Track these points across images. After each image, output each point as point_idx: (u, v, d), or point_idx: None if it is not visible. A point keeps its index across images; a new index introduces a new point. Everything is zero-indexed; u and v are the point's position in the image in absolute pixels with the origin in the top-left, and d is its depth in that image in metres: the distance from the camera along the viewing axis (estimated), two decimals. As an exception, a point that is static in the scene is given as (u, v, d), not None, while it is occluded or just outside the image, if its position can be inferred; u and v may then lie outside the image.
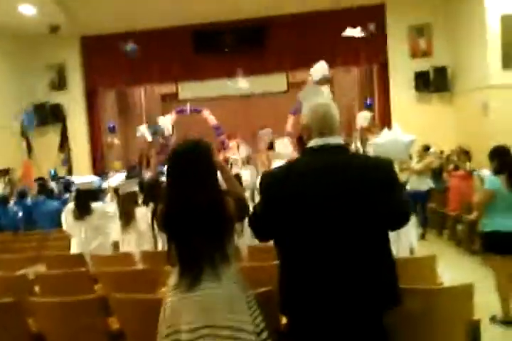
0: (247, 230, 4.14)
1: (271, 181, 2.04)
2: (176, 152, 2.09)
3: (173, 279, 2.02)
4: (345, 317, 1.92)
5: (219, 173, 2.11)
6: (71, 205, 4.56)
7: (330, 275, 1.91)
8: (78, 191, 4.57)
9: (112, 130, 11.90)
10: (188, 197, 1.98)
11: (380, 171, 1.98)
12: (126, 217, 4.39)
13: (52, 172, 10.32)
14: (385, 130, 6.56)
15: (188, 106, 12.41)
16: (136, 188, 4.62)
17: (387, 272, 1.99)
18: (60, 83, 11.57)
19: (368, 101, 11.28)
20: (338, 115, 2.10)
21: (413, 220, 3.59)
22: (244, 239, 3.86)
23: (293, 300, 1.99)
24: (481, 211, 4.09)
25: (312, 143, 2.04)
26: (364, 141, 9.69)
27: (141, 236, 4.26)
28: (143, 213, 4.25)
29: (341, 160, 2.00)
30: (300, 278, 1.96)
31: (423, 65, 10.48)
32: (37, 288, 3.59)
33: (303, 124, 2.12)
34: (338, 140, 2.04)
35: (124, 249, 4.42)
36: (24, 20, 9.90)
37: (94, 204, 4.50)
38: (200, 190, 1.98)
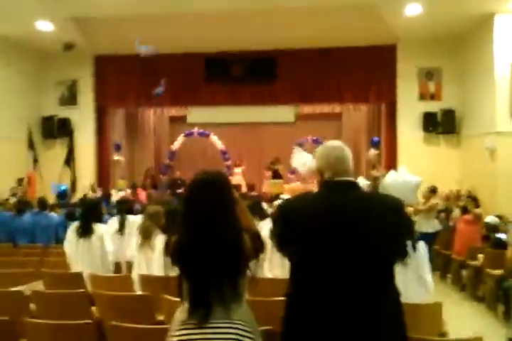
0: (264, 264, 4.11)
1: (289, 210, 2.08)
2: (198, 181, 2.01)
3: (181, 313, 1.96)
4: None
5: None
6: (76, 224, 4.54)
7: (339, 307, 1.89)
8: (83, 211, 4.55)
9: (118, 148, 11.94)
10: (206, 231, 1.91)
11: (391, 212, 1.99)
12: (144, 235, 4.34)
13: (63, 188, 10.22)
14: (392, 171, 6.61)
15: (195, 130, 12.50)
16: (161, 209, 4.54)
17: (395, 307, 1.98)
18: (70, 99, 11.67)
19: (375, 139, 11.35)
20: (350, 157, 2.10)
21: (427, 260, 3.54)
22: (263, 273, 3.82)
23: (298, 332, 1.95)
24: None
25: (327, 179, 2.06)
26: (371, 178, 9.69)
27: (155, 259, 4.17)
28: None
29: (355, 198, 2.01)
30: (306, 314, 1.93)
31: (431, 106, 10.58)
32: (33, 306, 3.52)
33: (315, 168, 2.13)
34: (351, 179, 2.07)
35: (136, 268, 4.35)
36: (41, 36, 10.04)
37: (97, 226, 4.48)
38: (220, 224, 1.92)
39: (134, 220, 5.33)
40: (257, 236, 2.02)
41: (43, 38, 10.12)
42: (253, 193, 10.29)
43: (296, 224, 1.99)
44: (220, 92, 11.37)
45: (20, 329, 2.79)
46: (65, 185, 10.55)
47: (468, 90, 10.14)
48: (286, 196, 7.17)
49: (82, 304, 3.48)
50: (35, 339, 2.79)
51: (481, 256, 6.01)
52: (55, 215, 7.13)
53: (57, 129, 11.51)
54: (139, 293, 3.77)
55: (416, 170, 7.46)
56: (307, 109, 13.01)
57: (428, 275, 3.53)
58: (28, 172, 10.85)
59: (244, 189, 11.29)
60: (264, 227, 4.04)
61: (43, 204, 7.15)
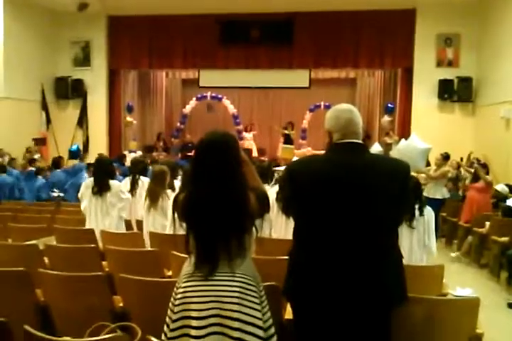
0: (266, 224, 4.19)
1: (296, 171, 2.11)
2: (205, 142, 2.05)
3: (188, 266, 2.03)
4: (352, 310, 1.95)
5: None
6: (90, 180, 4.61)
7: (341, 266, 1.95)
8: (96, 167, 4.62)
9: (130, 109, 11.96)
10: (213, 189, 1.97)
11: (398, 176, 2.03)
12: (151, 198, 4.41)
13: (75, 147, 10.37)
14: (403, 140, 6.56)
15: (208, 94, 12.43)
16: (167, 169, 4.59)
17: (396, 267, 2.04)
18: (83, 60, 11.61)
19: (390, 105, 11.21)
20: (360, 121, 2.12)
21: (434, 227, 3.58)
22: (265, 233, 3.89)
23: (301, 286, 2.04)
24: None
25: (336, 141, 2.08)
26: (383, 145, 9.66)
27: (165, 217, 4.26)
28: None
29: (360, 160, 2.04)
30: (311, 265, 2.00)
31: (448, 74, 10.37)
32: (46, 260, 3.65)
33: (325, 129, 2.14)
34: (358, 141, 2.09)
35: (146, 227, 4.44)
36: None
37: (112, 182, 4.55)
38: (226, 183, 1.97)
39: (145, 181, 5.42)
40: (263, 196, 2.06)
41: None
42: (263, 158, 10.32)
43: (303, 185, 2.03)
44: (234, 55, 11.21)
45: (35, 280, 2.91)
46: (77, 145, 10.67)
47: (486, 58, 9.87)
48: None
49: (93, 258, 3.59)
50: (49, 290, 2.91)
51: (488, 223, 6.04)
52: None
53: (71, 90, 11.52)
54: (149, 248, 3.87)
55: (429, 137, 7.42)
56: (322, 74, 12.82)
57: (433, 240, 3.59)
58: (42, 133, 10.96)
59: (255, 153, 11.31)
60: (270, 190, 4.09)
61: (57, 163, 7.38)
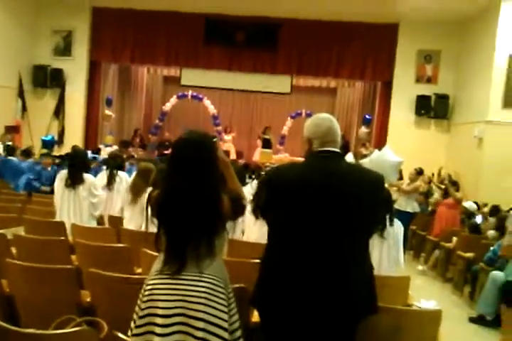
0: (239, 227, 4.20)
1: (274, 178, 2.16)
2: (183, 140, 2.06)
3: (157, 264, 2.03)
4: (319, 317, 1.97)
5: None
6: (64, 172, 4.54)
7: (311, 274, 1.97)
8: (71, 159, 4.55)
9: (109, 103, 11.81)
10: (185, 188, 1.98)
11: (374, 186, 2.08)
12: (134, 192, 4.38)
13: (50, 137, 10.17)
14: (376, 150, 6.68)
15: (189, 93, 12.39)
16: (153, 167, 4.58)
17: (367, 278, 2.07)
18: (64, 49, 11.42)
19: (367, 117, 11.39)
20: (339, 129, 2.17)
21: (401, 238, 3.65)
22: (236, 235, 3.90)
23: (269, 294, 2.04)
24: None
25: (315, 148, 2.12)
26: (359, 156, 9.77)
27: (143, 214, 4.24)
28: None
29: (338, 168, 2.08)
30: (281, 272, 2.01)
31: (426, 90, 10.60)
32: (14, 250, 3.57)
33: (305, 137, 2.18)
34: (337, 150, 2.14)
35: (126, 222, 4.42)
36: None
37: (86, 175, 4.49)
38: (199, 183, 1.98)
39: (123, 176, 5.37)
40: (238, 199, 2.07)
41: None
42: (241, 161, 10.34)
43: (281, 191, 2.05)
44: (218, 56, 11.20)
45: (1, 270, 2.85)
46: (51, 135, 10.48)
47: (464, 77, 10.14)
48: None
49: (62, 251, 3.53)
50: (15, 280, 2.85)
51: (455, 238, 6.19)
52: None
53: (50, 79, 11.31)
54: (119, 245, 3.83)
55: (404, 151, 7.57)
56: (303, 81, 12.94)
57: (400, 253, 3.65)
58: (16, 121, 10.73)
59: (233, 156, 11.32)
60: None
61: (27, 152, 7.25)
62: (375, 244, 3.45)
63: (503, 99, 8.77)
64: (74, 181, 4.42)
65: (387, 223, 3.53)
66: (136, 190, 4.39)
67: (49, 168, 7.20)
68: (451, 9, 9.48)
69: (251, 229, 4.31)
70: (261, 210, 2.26)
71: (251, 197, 3.51)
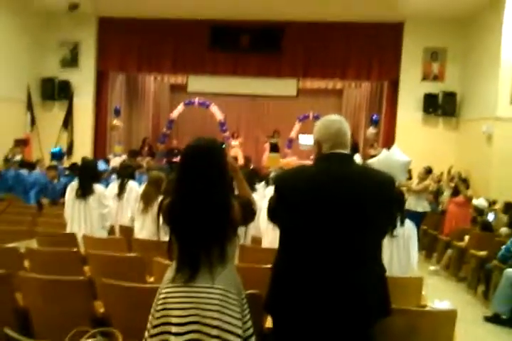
0: (250, 232, 4.20)
1: (284, 182, 2.13)
2: (192, 148, 2.07)
3: (170, 272, 2.04)
4: (333, 323, 1.95)
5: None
6: (75, 183, 4.58)
7: (322, 278, 1.95)
8: (81, 170, 4.60)
9: (117, 113, 11.90)
10: (196, 195, 1.98)
11: (385, 188, 2.04)
12: (145, 201, 4.40)
13: (58, 149, 10.27)
14: (384, 150, 6.66)
15: (196, 100, 12.45)
16: (164, 176, 4.60)
17: (379, 282, 2.05)
18: (71, 61, 11.54)
19: (375, 117, 11.35)
20: (349, 131, 2.13)
21: (416, 240, 3.61)
22: (247, 241, 3.90)
23: (281, 299, 2.03)
24: None
25: (325, 151, 2.09)
26: (366, 156, 9.76)
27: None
28: None
29: (349, 171, 2.05)
30: (292, 277, 2.00)
31: (433, 88, 10.54)
32: (27, 263, 3.61)
33: (314, 139, 2.15)
34: (347, 152, 2.11)
35: (137, 232, 4.44)
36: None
37: (96, 186, 4.53)
38: (209, 190, 1.98)
39: (133, 186, 5.40)
40: (248, 204, 2.07)
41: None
42: (250, 166, 10.34)
43: (290, 195, 2.03)
44: (223, 62, 11.22)
45: (15, 283, 2.88)
46: (59, 147, 10.57)
47: (471, 73, 10.07)
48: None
49: (74, 263, 3.56)
50: (29, 293, 2.88)
51: (467, 237, 6.14)
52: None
53: (58, 91, 11.42)
54: (131, 254, 3.85)
55: (413, 150, 7.54)
56: (310, 84, 12.94)
57: (414, 255, 3.61)
58: (25, 134, 10.84)
59: (241, 161, 11.34)
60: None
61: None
62: (384, 244, 3.42)
63: (511, 94, 8.71)
64: (84, 192, 4.45)
65: (398, 223, 3.51)
66: (147, 199, 4.42)
67: (55, 181, 7.26)
68: (455, 7, 9.43)
69: (267, 233, 4.29)
70: (271, 215, 2.26)
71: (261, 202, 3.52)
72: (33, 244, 4.19)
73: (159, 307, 1.97)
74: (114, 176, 6.31)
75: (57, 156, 9.70)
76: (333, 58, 10.91)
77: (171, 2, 9.92)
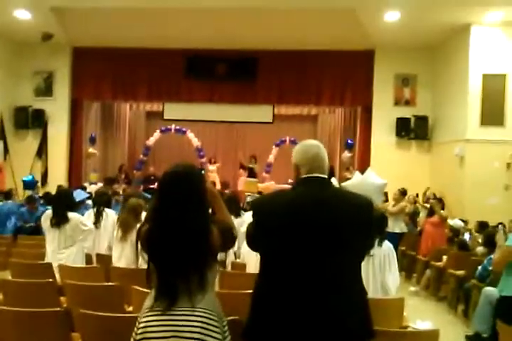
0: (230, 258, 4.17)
1: (261, 207, 2.14)
2: (170, 174, 2.05)
3: (149, 300, 1.99)
4: None
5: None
6: (48, 213, 4.50)
7: (302, 304, 1.94)
8: (56, 199, 4.52)
9: (93, 141, 11.83)
10: (175, 222, 1.96)
11: (363, 211, 2.05)
12: (124, 229, 4.34)
13: (30, 177, 10.08)
14: (357, 173, 6.76)
15: (172, 126, 12.48)
16: (143, 203, 4.55)
17: (359, 304, 2.04)
18: (46, 90, 11.49)
19: (349, 141, 11.54)
20: (326, 156, 2.17)
21: (395, 262, 3.62)
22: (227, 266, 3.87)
23: (260, 326, 2.01)
24: (499, 270, 3.41)
25: (303, 175, 2.12)
26: (342, 179, 9.86)
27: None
28: None
29: (327, 194, 2.07)
30: (271, 303, 1.98)
31: (405, 112, 10.82)
32: (0, 295, 3.50)
33: (293, 163, 2.18)
34: (324, 176, 2.13)
35: (115, 260, 4.35)
36: (19, 25, 9.89)
37: (71, 214, 4.45)
38: (188, 216, 1.96)
39: (111, 213, 5.33)
40: (227, 230, 2.06)
41: (21, 27, 9.96)
42: (228, 191, 10.33)
43: (269, 220, 2.04)
44: (199, 89, 11.35)
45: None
46: (31, 175, 10.39)
47: (441, 98, 10.40)
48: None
49: (50, 293, 3.47)
50: (3, 327, 2.78)
51: (445, 257, 6.21)
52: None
53: (32, 120, 11.33)
54: (109, 283, 3.77)
55: (388, 173, 7.65)
56: (285, 110, 13.14)
57: (395, 275, 3.61)
58: (-2, 163, 10.67)
59: (218, 186, 11.33)
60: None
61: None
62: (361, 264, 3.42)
63: (480, 117, 9.01)
64: (58, 221, 4.37)
65: (376, 243, 3.52)
66: (125, 227, 4.34)
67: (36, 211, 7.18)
68: (423, 35, 9.81)
69: (250, 258, 4.25)
70: (249, 240, 2.25)
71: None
72: (7, 275, 4.07)
73: (139, 337, 1.93)
74: (89, 203, 6.22)
75: (29, 185, 9.53)
76: (307, 85, 11.14)
77: (145, 32, 10.04)
